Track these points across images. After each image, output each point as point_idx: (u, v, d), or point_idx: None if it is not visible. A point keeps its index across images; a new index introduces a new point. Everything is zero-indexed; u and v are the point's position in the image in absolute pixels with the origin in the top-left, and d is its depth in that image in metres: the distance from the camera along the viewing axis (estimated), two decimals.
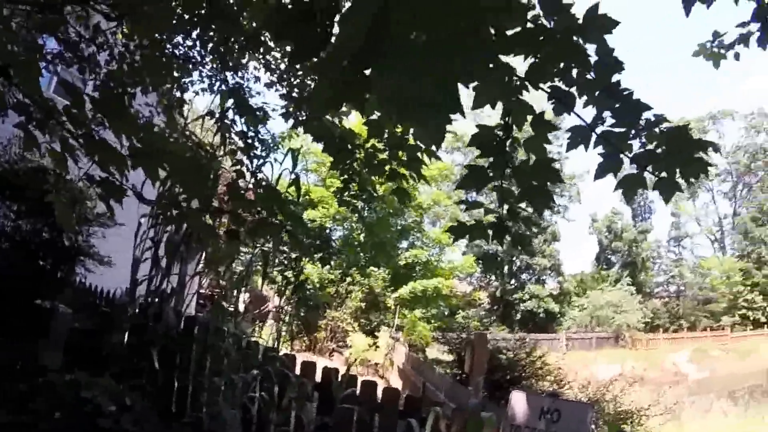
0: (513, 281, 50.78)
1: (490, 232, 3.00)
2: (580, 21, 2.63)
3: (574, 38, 2.68)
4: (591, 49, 2.74)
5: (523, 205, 3.00)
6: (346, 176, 5.68)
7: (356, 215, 25.65)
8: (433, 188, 32.91)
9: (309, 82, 7.49)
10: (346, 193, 5.84)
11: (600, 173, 2.75)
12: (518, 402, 6.56)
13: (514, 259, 50.43)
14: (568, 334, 45.34)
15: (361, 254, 30.02)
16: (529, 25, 2.64)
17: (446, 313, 33.26)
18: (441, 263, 32.26)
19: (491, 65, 1.85)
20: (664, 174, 2.78)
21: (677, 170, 2.74)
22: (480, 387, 9.59)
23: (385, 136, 4.80)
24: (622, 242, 58.23)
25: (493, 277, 50.90)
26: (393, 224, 30.63)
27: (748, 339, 51.38)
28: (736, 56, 5.05)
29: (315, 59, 1.99)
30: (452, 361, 17.54)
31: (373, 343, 24.40)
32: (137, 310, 5.53)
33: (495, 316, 46.71)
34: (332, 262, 26.91)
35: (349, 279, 27.73)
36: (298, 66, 6.91)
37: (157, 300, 5.55)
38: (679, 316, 57.21)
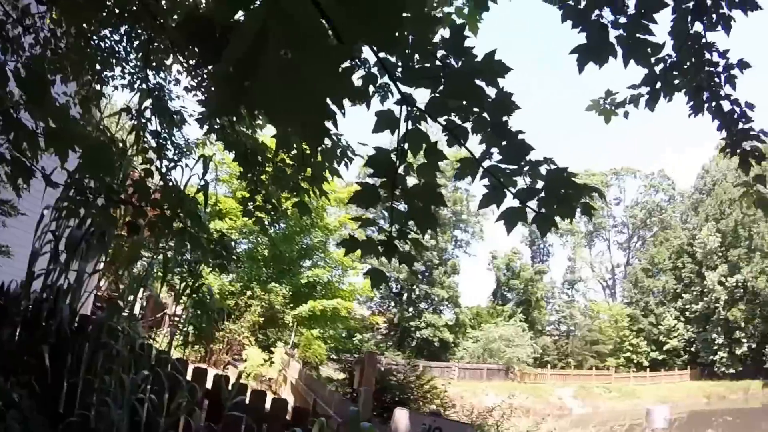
0: (411, 309, 51.70)
1: (381, 249, 3.20)
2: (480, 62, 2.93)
3: (475, 80, 2.97)
4: (493, 90, 3.05)
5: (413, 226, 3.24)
6: (252, 187, 5.78)
7: (260, 227, 25.40)
8: (341, 212, 33.12)
9: None
10: (251, 204, 5.90)
11: (483, 204, 3.02)
12: (401, 419, 6.79)
13: (414, 287, 51.32)
14: (461, 364, 46.45)
15: (264, 269, 29.75)
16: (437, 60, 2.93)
17: (343, 335, 33.41)
18: (342, 285, 32.36)
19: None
20: (543, 210, 3.08)
21: (554, 207, 3.04)
22: (368, 403, 9.79)
23: (294, 151, 5.00)
24: (519, 280, 60.55)
25: (393, 304, 51.75)
26: (298, 242, 30.55)
27: (630, 380, 55.43)
28: (626, 114, 5.38)
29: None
30: (344, 379, 17.77)
31: (268, 359, 24.31)
32: (30, 305, 5.38)
33: (391, 341, 47.38)
34: (231, 271, 26.41)
35: (249, 293, 27.57)
36: None
37: (52, 296, 5.42)
38: (567, 355, 60.04)
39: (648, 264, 67.82)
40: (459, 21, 4.86)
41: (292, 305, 28.76)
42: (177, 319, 16.20)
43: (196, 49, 4.94)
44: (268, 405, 4.74)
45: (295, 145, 4.89)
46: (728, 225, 60.35)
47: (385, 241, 3.18)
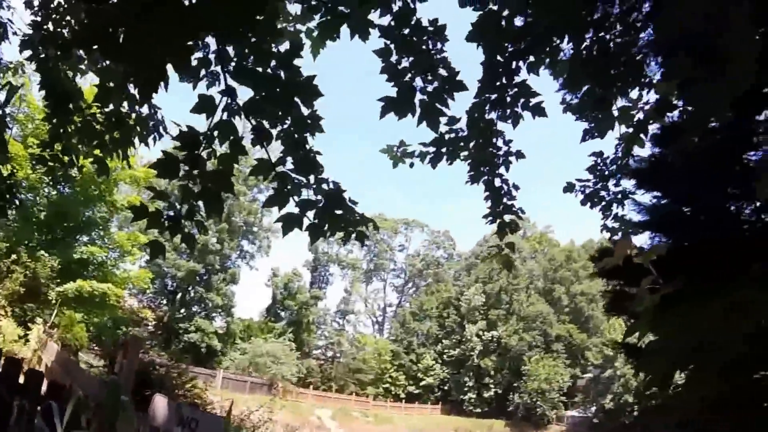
0: (183, 310, 50.07)
1: (167, 224, 3.37)
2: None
3: (293, 95, 3.31)
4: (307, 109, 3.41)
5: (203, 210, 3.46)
6: (55, 133, 5.50)
7: (51, 179, 22.64)
8: (133, 192, 30.79)
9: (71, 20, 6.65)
10: (48, 151, 5.62)
11: (268, 203, 3.34)
12: (160, 405, 6.74)
13: (189, 288, 49.91)
14: (226, 374, 45.62)
15: (36, 234, 26.45)
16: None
17: (109, 325, 30.88)
18: (116, 270, 29.71)
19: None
20: (316, 221, 3.45)
21: (326, 222, 3.42)
22: (129, 381, 9.51)
23: (110, 107, 4.90)
24: (295, 302, 61.08)
25: (165, 301, 49.87)
26: (81, 213, 27.28)
27: (386, 409, 58.70)
28: (411, 165, 5.91)
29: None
30: (104, 366, 16.86)
31: (24, 335, 22.06)
32: None
33: (158, 339, 45.32)
34: (5, 219, 23.36)
35: (14, 257, 23.96)
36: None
37: None
38: (331, 379, 61.69)
39: (417, 309, 72.26)
40: (306, 40, 5.13)
41: (59, 280, 25.57)
42: None
43: None
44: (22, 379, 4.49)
45: (113, 103, 4.82)
46: (493, 289, 67.27)
47: (173, 217, 3.36)
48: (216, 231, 48.81)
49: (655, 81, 5.27)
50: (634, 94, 5.43)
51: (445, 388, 66.73)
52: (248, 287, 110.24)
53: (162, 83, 2.68)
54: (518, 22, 4.81)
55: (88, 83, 10.04)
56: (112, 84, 4.84)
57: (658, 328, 2.43)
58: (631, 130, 5.63)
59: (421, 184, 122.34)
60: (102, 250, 28.35)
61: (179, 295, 50.62)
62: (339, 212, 3.50)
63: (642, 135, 5.64)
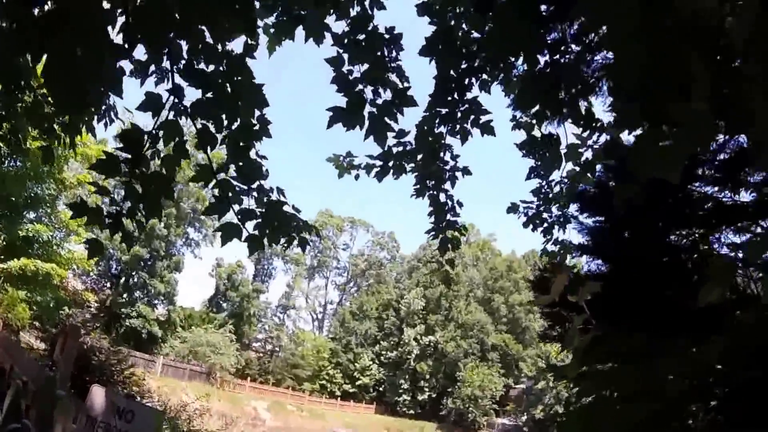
0: (126, 295, 48.82)
1: (108, 221, 3.34)
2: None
3: (238, 99, 3.32)
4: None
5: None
6: (3, 112, 5.33)
7: None
8: (83, 171, 29.85)
9: None
10: None
11: (207, 211, 3.33)
12: (97, 396, 6.64)
13: (132, 274, 48.88)
14: (166, 360, 44.90)
15: None
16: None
17: (51, 305, 29.85)
18: (61, 249, 28.42)
19: None
20: (256, 232, 3.47)
21: (265, 233, 3.44)
22: (67, 374, 9.32)
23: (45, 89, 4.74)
24: (237, 293, 60.45)
25: (108, 284, 48.74)
26: (28, 189, 26.14)
27: (321, 404, 59.48)
28: (356, 177, 5.92)
29: None
30: (45, 350, 16.49)
31: None
32: None
33: (99, 323, 44.16)
34: None
35: None
36: None
37: None
38: (268, 372, 61.26)
39: (357, 309, 71.99)
40: (263, 36, 5.03)
41: (2, 257, 24.75)
42: None
43: None
44: None
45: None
46: (434, 294, 67.53)
47: (114, 215, 3.33)
48: (164, 216, 46.81)
49: (606, 124, 5.38)
50: (584, 132, 5.49)
51: (381, 388, 67.40)
52: (191, 275, 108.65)
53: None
54: (473, 38, 4.82)
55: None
56: None
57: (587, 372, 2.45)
58: (577, 168, 5.74)
59: (370, 184, 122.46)
60: (48, 229, 27.19)
61: (123, 280, 49.38)
62: (279, 224, 3.51)
63: (589, 173, 5.76)
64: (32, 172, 24.94)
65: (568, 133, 5.61)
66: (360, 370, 66.50)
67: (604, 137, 5.58)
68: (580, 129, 5.45)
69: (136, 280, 49.12)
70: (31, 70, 5.20)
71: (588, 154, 5.74)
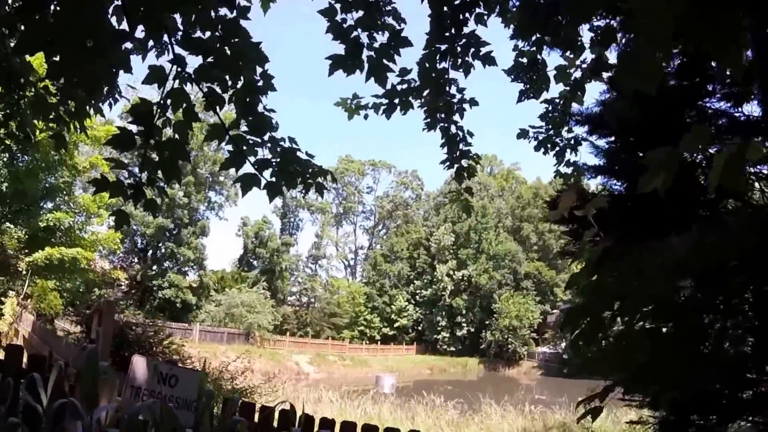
0: (155, 267, 49.61)
1: (130, 192, 3.49)
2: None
3: (238, 59, 3.41)
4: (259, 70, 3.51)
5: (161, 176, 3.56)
6: (8, 111, 5.50)
7: (9, 156, 21.95)
8: (94, 151, 30.00)
9: None
10: (3, 131, 5.61)
11: (225, 166, 3.46)
12: (139, 366, 6.85)
13: (159, 245, 49.51)
14: (202, 327, 45.71)
15: None
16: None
17: (82, 289, 30.30)
18: (84, 233, 29.14)
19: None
20: (273, 179, 3.60)
21: (282, 179, 3.57)
22: (107, 347, 9.59)
23: (62, 80, 4.87)
24: (266, 250, 60.92)
25: (136, 260, 49.40)
26: (42, 180, 26.41)
27: (362, 351, 59.82)
28: (366, 117, 5.99)
29: None
30: (81, 332, 16.92)
31: None
32: None
33: (132, 299, 44.93)
34: None
35: None
36: None
37: None
38: (306, 324, 62.11)
39: (388, 251, 72.70)
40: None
41: (27, 251, 25.06)
42: None
43: None
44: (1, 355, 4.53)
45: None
46: (462, 228, 67.62)
47: (134, 185, 3.46)
48: (183, 184, 47.36)
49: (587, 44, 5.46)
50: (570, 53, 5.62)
51: (419, 328, 68.36)
52: (219, 238, 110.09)
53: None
54: None
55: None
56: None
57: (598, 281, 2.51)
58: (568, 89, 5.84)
59: (386, 126, 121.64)
60: (68, 215, 27.68)
61: (150, 253, 50.10)
62: (294, 169, 3.64)
63: (579, 93, 5.88)
64: (43, 163, 25.14)
65: (553, 54, 5.85)
66: (397, 312, 67.39)
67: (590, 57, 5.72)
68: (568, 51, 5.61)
69: (163, 251, 49.81)
70: (30, 68, 5.31)
71: (577, 74, 5.90)
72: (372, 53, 4.59)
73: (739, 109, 5.30)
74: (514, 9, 5.58)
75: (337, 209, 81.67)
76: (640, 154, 6.88)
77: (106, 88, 4.91)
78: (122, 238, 34.14)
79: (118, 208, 3.61)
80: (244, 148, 3.50)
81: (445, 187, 74.08)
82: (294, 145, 3.72)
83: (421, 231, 73.18)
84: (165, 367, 6.80)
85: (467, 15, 5.19)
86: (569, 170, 6.72)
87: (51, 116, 5.07)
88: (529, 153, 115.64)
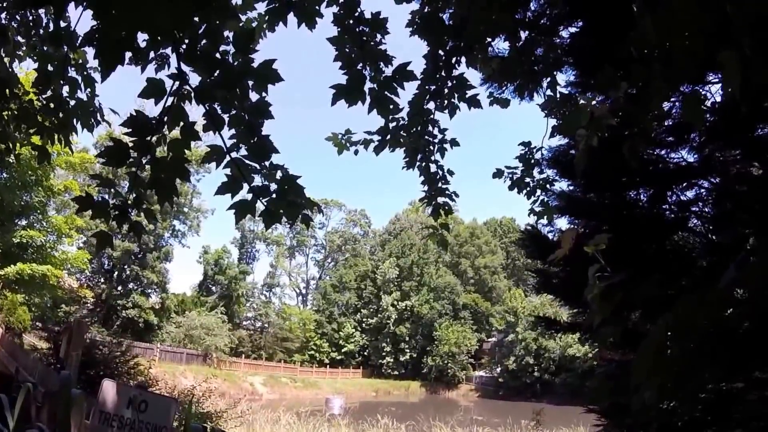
0: (120, 288, 48.26)
1: (114, 213, 2.94)
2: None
3: (245, 80, 2.91)
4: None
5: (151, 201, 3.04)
6: None
7: None
8: (69, 176, 29.09)
9: None
10: None
11: (221, 191, 2.91)
12: (109, 390, 6.21)
13: (125, 267, 48.01)
14: (163, 347, 44.56)
15: None
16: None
17: (50, 305, 29.04)
18: (55, 252, 28.23)
19: None
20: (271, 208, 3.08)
21: (281, 208, 3.05)
22: (75, 370, 8.83)
23: (49, 93, 4.40)
24: (224, 277, 60.02)
25: (103, 279, 47.87)
26: (18, 197, 25.58)
27: (312, 374, 60.36)
28: (356, 152, 5.63)
29: None
30: (48, 349, 15.87)
31: None
32: None
33: (97, 317, 43.38)
34: None
35: None
36: None
37: None
38: (260, 348, 61.39)
39: (337, 281, 72.92)
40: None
41: None
42: None
43: None
44: None
45: (53, 87, 4.30)
46: (406, 262, 69.32)
47: (120, 206, 2.92)
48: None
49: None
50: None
51: (365, 353, 68.53)
52: (181, 264, 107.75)
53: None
54: (458, 18, 4.72)
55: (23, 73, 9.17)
56: (51, 68, 4.37)
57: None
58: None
59: (338, 166, 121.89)
60: (40, 234, 26.80)
61: (116, 274, 48.58)
62: (292, 199, 3.14)
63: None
64: (20, 181, 24.60)
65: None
66: (344, 338, 67.21)
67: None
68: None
69: (128, 272, 48.36)
70: (17, 79, 4.77)
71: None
72: (374, 85, 4.20)
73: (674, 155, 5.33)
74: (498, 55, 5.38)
75: (290, 242, 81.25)
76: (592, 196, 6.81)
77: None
78: (90, 259, 32.89)
79: (102, 230, 3.02)
80: (243, 173, 2.98)
81: (390, 226, 75.52)
82: (291, 176, 3.23)
83: (368, 264, 73.81)
84: (135, 392, 6.18)
85: (460, 58, 4.97)
86: (540, 209, 6.50)
87: (34, 130, 4.59)
88: (464, 196, 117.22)
